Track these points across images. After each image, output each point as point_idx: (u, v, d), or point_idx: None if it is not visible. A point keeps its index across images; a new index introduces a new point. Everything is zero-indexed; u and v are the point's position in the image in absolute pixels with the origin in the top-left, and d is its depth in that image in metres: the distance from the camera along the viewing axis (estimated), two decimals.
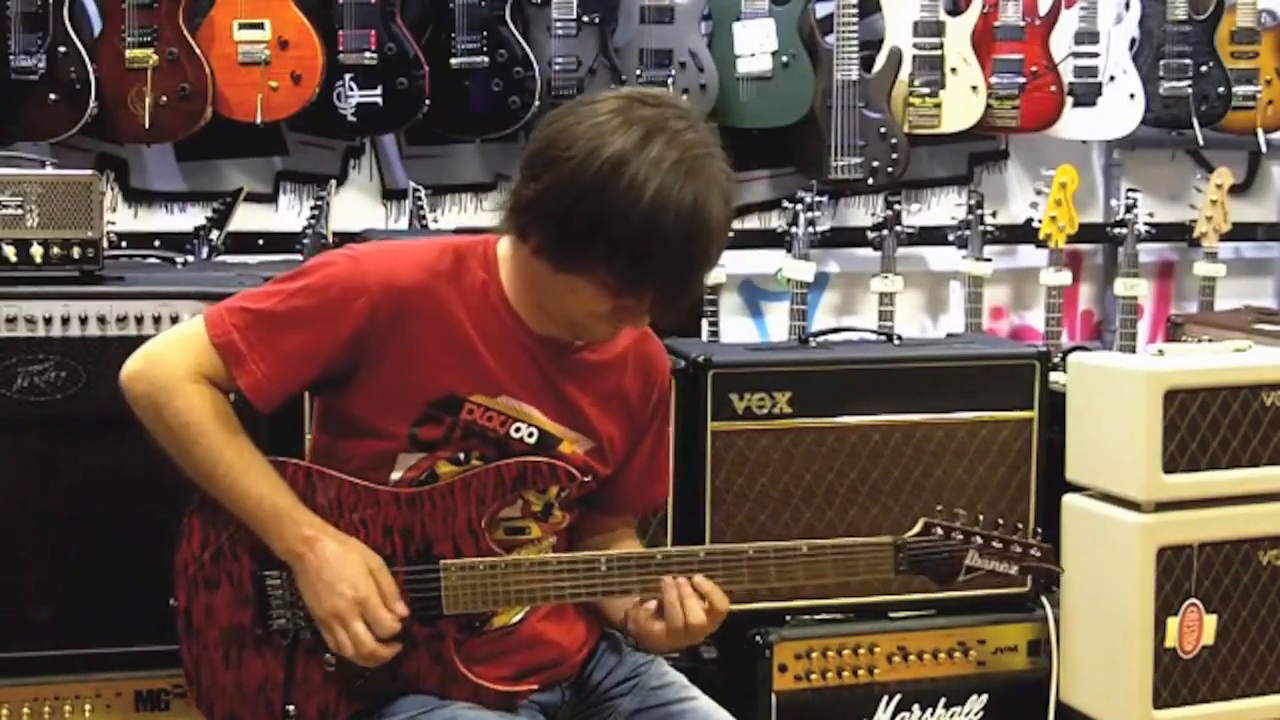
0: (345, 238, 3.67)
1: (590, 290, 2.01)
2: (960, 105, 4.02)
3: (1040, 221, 4.12)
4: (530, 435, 2.16)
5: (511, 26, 3.69)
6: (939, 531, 2.21)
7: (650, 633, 2.15)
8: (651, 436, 2.34)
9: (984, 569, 2.23)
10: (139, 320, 2.79)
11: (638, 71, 3.76)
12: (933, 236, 4.23)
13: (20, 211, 2.83)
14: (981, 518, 2.25)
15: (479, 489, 2.13)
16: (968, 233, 4.10)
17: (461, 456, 2.14)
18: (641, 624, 2.16)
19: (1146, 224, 4.24)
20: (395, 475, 2.14)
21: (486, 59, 3.67)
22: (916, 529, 2.22)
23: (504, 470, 2.14)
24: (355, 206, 3.90)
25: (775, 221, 4.11)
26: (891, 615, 3.31)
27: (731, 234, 3.84)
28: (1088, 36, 4.11)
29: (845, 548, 2.19)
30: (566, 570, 2.15)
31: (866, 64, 3.98)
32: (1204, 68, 4.22)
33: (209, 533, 2.13)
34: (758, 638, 3.21)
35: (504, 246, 2.13)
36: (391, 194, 3.94)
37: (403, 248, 2.17)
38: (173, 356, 2.09)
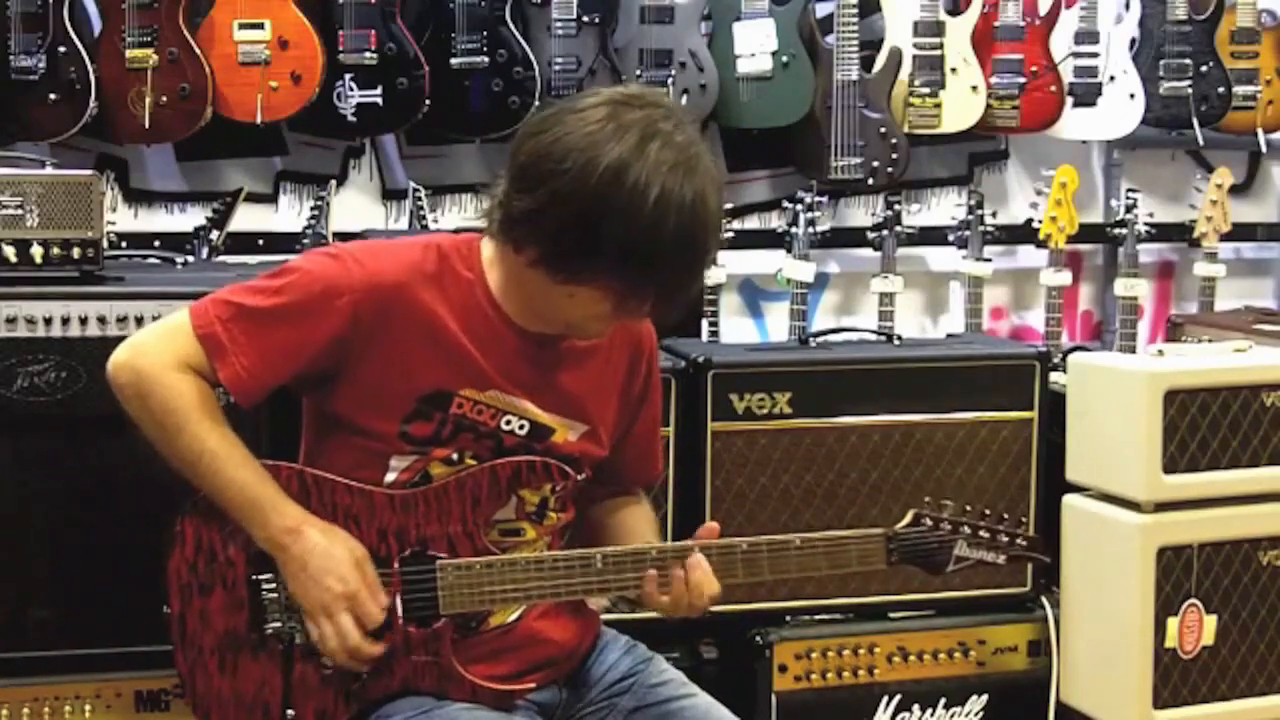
0: (345, 238, 3.67)
1: (592, 296, 2.02)
2: (960, 105, 4.02)
3: (1040, 222, 4.12)
4: (521, 427, 2.17)
5: (511, 26, 3.69)
6: (928, 522, 2.25)
7: (655, 601, 2.17)
8: (646, 411, 2.35)
9: (973, 559, 2.28)
10: (139, 320, 2.78)
11: (638, 71, 3.76)
12: (933, 237, 4.23)
13: (20, 211, 2.83)
14: (969, 507, 2.29)
15: (474, 489, 2.13)
16: (968, 233, 4.10)
17: (454, 457, 2.15)
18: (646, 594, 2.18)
19: (1146, 224, 4.23)
20: (389, 478, 2.14)
21: (486, 59, 3.67)
22: (906, 520, 2.26)
23: (498, 470, 2.14)
24: (355, 206, 3.90)
25: (775, 222, 4.11)
26: (891, 615, 3.31)
27: (731, 234, 3.90)
28: (1088, 36, 4.10)
29: (837, 540, 2.22)
30: (562, 567, 2.15)
31: (866, 64, 3.98)
32: (1204, 68, 4.22)
33: (201, 537, 2.13)
34: (758, 638, 3.21)
35: (489, 248, 2.14)
36: (391, 194, 3.94)
37: (387, 246, 2.17)
38: (157, 347, 2.11)
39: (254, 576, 2.12)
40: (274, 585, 2.11)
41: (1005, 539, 2.28)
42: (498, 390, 2.14)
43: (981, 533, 2.27)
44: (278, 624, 2.11)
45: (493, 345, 2.14)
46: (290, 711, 2.13)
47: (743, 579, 2.20)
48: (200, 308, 2.11)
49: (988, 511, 2.30)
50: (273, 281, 2.12)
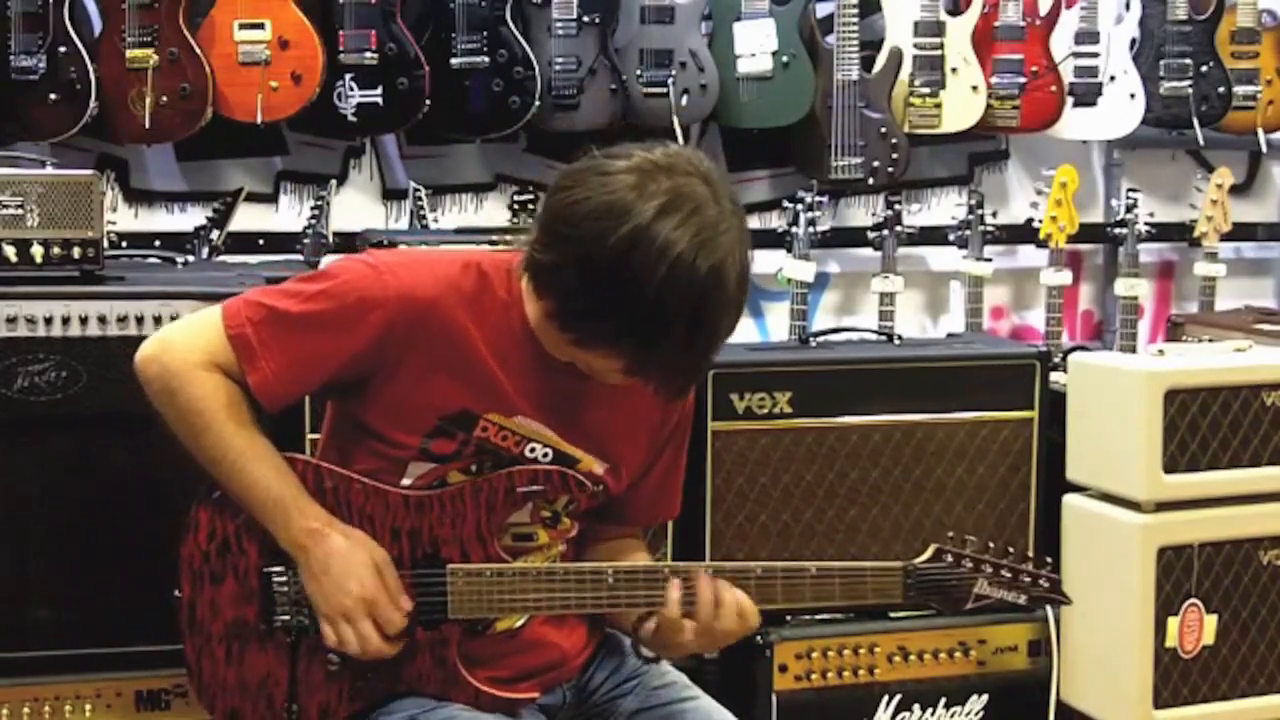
0: (345, 238, 3.68)
1: (601, 358, 1.99)
2: (960, 105, 4.02)
3: (1040, 221, 4.12)
4: (545, 455, 2.15)
5: (512, 26, 3.69)
6: (949, 558, 2.18)
7: (673, 628, 2.10)
8: (669, 454, 2.31)
9: (993, 597, 2.21)
10: (139, 320, 2.79)
11: (638, 71, 3.77)
12: (933, 236, 4.23)
13: (21, 211, 2.83)
14: (991, 544, 2.23)
15: (489, 495, 2.12)
16: (968, 233, 4.10)
17: (473, 468, 2.14)
18: (666, 621, 2.10)
19: (1147, 224, 4.23)
20: (405, 482, 2.13)
21: (487, 59, 3.67)
22: (927, 555, 2.19)
23: (515, 477, 2.13)
24: (355, 206, 3.90)
25: (775, 221, 4.11)
26: (891, 615, 3.31)
27: None
28: (1088, 36, 4.11)
29: (854, 570, 2.17)
30: (574, 581, 2.14)
31: (867, 64, 3.98)
32: (1204, 68, 4.22)
33: (215, 525, 2.12)
34: (758, 638, 3.20)
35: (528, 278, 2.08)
36: (392, 194, 3.94)
37: (427, 261, 2.14)
38: (187, 343, 2.08)
39: (265, 569, 2.11)
40: (285, 578, 2.10)
41: (1027, 579, 2.21)
42: (523, 417, 2.12)
43: (1003, 571, 2.20)
44: (286, 617, 2.11)
45: (522, 372, 2.10)
46: (294, 706, 2.12)
47: (755, 602, 2.15)
48: (233, 307, 2.09)
49: (1010, 549, 2.23)
50: (308, 286, 2.09)
